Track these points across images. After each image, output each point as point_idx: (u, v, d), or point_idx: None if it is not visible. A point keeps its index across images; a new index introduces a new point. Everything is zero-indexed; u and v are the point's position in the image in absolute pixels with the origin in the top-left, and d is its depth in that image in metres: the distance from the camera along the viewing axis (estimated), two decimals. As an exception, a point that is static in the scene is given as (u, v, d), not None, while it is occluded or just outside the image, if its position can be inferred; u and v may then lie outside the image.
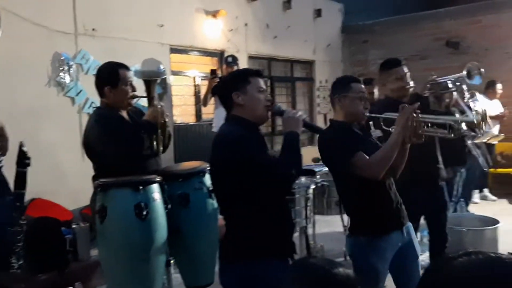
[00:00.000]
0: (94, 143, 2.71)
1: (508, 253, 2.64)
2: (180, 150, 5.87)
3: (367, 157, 2.24)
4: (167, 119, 2.97)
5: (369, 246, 2.35)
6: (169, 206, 2.72)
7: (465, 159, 4.73)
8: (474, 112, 2.43)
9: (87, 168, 2.91)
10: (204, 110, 6.51)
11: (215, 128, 5.29)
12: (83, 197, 3.34)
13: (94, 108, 3.13)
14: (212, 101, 5.76)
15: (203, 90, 6.21)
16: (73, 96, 4.99)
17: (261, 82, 2.04)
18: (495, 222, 4.19)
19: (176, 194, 2.79)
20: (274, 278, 1.76)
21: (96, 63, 4.96)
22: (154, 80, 2.97)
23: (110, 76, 2.80)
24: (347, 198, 2.46)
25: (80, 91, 5.00)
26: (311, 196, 3.68)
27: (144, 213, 2.52)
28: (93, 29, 5.20)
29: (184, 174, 2.88)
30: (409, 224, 2.49)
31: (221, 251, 1.99)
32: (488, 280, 0.80)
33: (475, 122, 2.29)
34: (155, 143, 2.94)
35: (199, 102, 6.45)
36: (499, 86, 6.87)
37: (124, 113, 2.88)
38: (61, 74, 4.83)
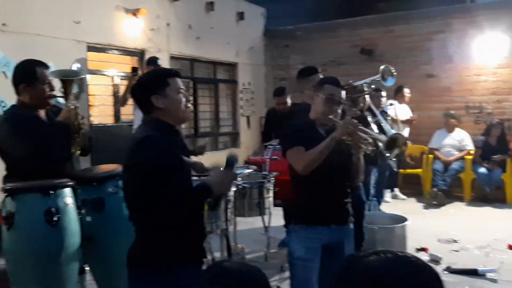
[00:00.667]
0: (3, 143, 2.63)
1: (416, 249, 3.40)
2: (97, 152, 5.21)
3: (303, 153, 2.38)
4: (82, 120, 2.90)
5: (295, 233, 2.53)
6: (83, 211, 2.68)
7: (376, 160, 4.97)
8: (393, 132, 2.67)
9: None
10: (123, 110, 6.39)
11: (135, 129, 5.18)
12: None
13: (6, 107, 3.02)
14: (131, 101, 5.35)
15: (122, 90, 6.12)
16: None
17: (180, 83, 2.00)
18: (403, 220, 4.43)
19: (90, 199, 2.74)
20: (185, 284, 1.76)
21: (6, 60, 4.81)
22: (71, 80, 2.93)
23: (27, 74, 2.72)
24: (292, 184, 2.61)
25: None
26: (231, 198, 3.72)
27: (55, 219, 2.46)
28: (3, 24, 5.02)
29: (98, 177, 2.83)
30: (347, 228, 2.62)
31: (130, 259, 1.93)
32: (395, 277, 0.84)
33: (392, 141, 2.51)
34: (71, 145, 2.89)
35: (117, 102, 6.37)
36: (406, 90, 7.32)
37: (41, 113, 2.80)
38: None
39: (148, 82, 1.96)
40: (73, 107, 2.85)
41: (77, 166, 2.95)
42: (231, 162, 1.97)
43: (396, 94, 7.14)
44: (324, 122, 2.54)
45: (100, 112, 6.39)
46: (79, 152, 2.94)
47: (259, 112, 8.87)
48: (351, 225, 2.66)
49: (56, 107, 2.95)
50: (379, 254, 0.90)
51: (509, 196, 7.16)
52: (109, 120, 6.46)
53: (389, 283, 0.83)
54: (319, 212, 2.51)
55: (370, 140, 2.38)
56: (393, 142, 2.56)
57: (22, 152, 2.55)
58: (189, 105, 1.99)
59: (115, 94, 6.46)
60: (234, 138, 8.75)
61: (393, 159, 4.95)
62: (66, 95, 2.90)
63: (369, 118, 4.58)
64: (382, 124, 4.98)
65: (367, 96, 4.55)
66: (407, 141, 2.54)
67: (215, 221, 3.48)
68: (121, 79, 6.47)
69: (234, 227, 4.00)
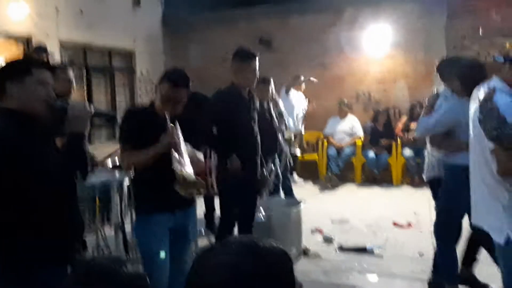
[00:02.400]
0: None
1: (311, 230, 3.97)
2: None
3: (130, 148, 2.47)
4: None
5: (140, 225, 2.59)
6: None
7: (276, 149, 5.29)
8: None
9: None
10: None
11: None
12: None
13: None
14: None
15: None
16: None
17: (47, 76, 1.90)
18: (299, 204, 4.63)
19: None
20: (50, 286, 1.68)
21: None
22: None
23: None
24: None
25: None
26: (125, 190, 3.68)
27: None
28: None
29: None
30: (189, 210, 2.69)
31: None
32: (244, 269, 0.91)
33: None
34: None
35: None
36: (302, 79, 7.58)
37: None
38: None
39: (9, 66, 1.89)
40: None
41: None
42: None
43: (294, 82, 7.38)
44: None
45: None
46: None
47: None
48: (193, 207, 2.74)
49: None
50: (227, 244, 0.96)
51: (394, 178, 7.77)
52: None
53: (239, 277, 0.89)
54: (160, 198, 2.54)
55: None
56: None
57: None
58: (49, 100, 1.88)
59: None
60: (112, 131, 8.11)
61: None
62: None
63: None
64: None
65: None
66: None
67: (107, 215, 3.49)
68: None
69: (131, 222, 3.87)
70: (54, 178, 1.76)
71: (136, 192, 2.75)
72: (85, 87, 7.47)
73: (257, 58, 3.61)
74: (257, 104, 3.70)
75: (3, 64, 1.89)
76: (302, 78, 7.52)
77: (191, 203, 2.69)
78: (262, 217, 4.08)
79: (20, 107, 1.83)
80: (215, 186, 3.69)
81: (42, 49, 4.99)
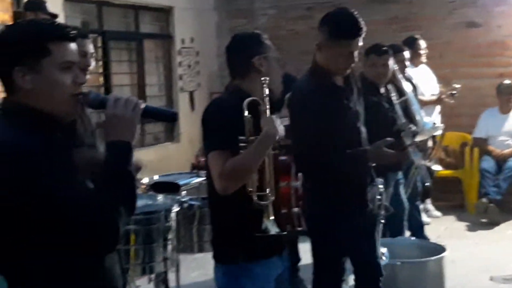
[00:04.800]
0: None
1: None
2: None
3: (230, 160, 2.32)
4: None
5: (243, 275, 2.47)
6: None
7: (400, 164, 4.33)
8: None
9: None
10: None
11: None
12: None
13: None
14: None
15: None
16: None
17: (71, 51, 1.70)
18: (439, 249, 3.96)
19: None
20: None
21: None
22: None
23: None
24: (214, 206, 2.58)
25: None
26: (173, 224, 3.43)
27: None
28: None
29: None
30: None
31: None
32: None
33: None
34: None
35: None
36: (422, 44, 6.05)
37: None
38: None
39: (12, 44, 1.67)
40: None
41: None
42: (94, 103, 1.77)
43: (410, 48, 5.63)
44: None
45: None
46: None
47: (209, 85, 7.76)
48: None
49: None
50: None
51: None
52: None
53: None
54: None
55: None
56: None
57: None
58: (79, 89, 1.72)
59: None
60: (169, 127, 7.42)
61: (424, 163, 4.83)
62: None
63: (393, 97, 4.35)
64: (413, 108, 4.55)
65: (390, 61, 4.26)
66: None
67: (148, 261, 3.30)
68: None
69: (176, 271, 3.67)
70: (83, 219, 1.60)
71: (222, 226, 2.57)
72: (100, 64, 6.67)
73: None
74: (359, 93, 3.34)
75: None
76: (422, 44, 6.01)
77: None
78: (384, 257, 3.59)
79: (36, 104, 1.67)
80: (303, 222, 3.14)
81: (39, 5, 4.57)
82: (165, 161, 6.30)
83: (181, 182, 3.85)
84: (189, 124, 7.51)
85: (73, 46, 1.71)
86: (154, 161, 5.51)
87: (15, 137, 1.60)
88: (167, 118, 2.07)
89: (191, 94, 7.74)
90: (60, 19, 5.50)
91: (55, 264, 1.63)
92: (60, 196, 1.56)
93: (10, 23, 4.87)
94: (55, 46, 1.66)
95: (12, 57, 1.65)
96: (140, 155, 5.29)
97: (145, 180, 3.94)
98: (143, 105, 1.72)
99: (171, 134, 7.48)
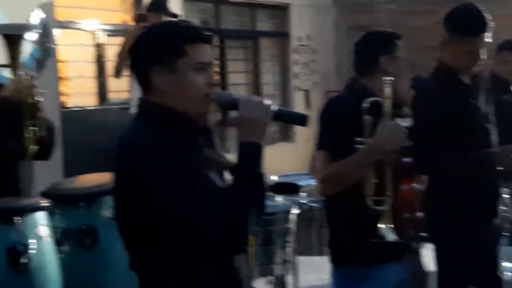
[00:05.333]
0: None
1: None
2: (72, 153, 5.03)
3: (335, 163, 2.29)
4: (40, 98, 2.74)
5: (360, 279, 2.43)
6: (64, 247, 2.51)
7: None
8: None
9: None
10: (112, 85, 5.59)
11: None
12: None
13: None
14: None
15: (110, 53, 5.33)
16: None
17: (205, 52, 1.73)
18: None
19: (74, 229, 2.56)
20: None
21: None
22: (19, 36, 2.81)
23: None
24: (330, 209, 2.55)
25: None
26: (292, 226, 3.39)
27: (23, 260, 2.29)
28: None
29: (87, 195, 2.68)
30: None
31: None
32: None
33: None
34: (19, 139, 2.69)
35: (103, 73, 5.62)
36: None
37: None
38: None
39: (151, 45, 1.73)
40: (27, 77, 2.73)
41: (30, 174, 2.85)
42: (227, 102, 1.79)
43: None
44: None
45: (77, 88, 5.68)
46: (35, 151, 2.73)
47: (325, 84, 7.62)
48: None
49: None
50: None
51: None
52: (89, 101, 5.69)
53: None
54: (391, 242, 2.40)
55: None
56: None
57: None
58: (212, 90, 1.75)
59: (99, 59, 5.71)
60: (284, 127, 7.39)
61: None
62: (12, 61, 2.79)
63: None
64: None
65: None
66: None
67: (267, 263, 3.27)
68: (109, 34, 5.68)
69: (294, 273, 3.63)
70: (216, 219, 1.60)
71: (339, 230, 2.53)
72: (216, 63, 6.78)
73: None
74: (488, 92, 3.18)
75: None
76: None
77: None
78: (509, 273, 3.45)
79: (171, 104, 1.71)
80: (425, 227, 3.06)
81: (162, 5, 4.63)
82: (280, 162, 6.32)
83: (301, 183, 3.75)
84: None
85: (207, 47, 1.73)
86: (269, 161, 5.52)
87: (151, 136, 1.63)
88: (299, 122, 2.00)
89: (306, 93, 7.66)
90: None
91: (186, 263, 1.64)
92: (196, 197, 1.57)
93: (132, 23, 5.10)
94: (191, 47, 1.68)
95: (150, 57, 1.69)
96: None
97: (263, 181, 3.99)
98: (275, 108, 1.72)
99: (286, 134, 7.47)
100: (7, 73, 3.02)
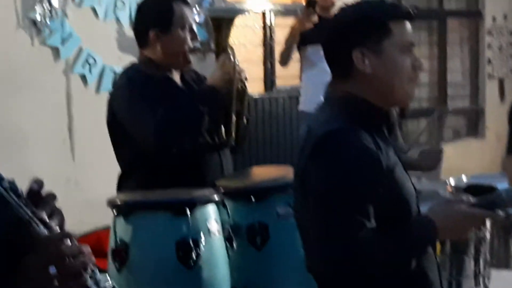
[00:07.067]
0: (119, 117, 2.55)
1: None
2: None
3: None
4: (246, 85, 2.77)
5: None
6: (235, 245, 2.49)
7: None
8: None
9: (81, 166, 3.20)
10: (280, 72, 5.40)
11: (303, 106, 4.68)
12: (77, 216, 3.12)
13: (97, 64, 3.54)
14: (295, 56, 4.73)
15: (280, 35, 5.18)
16: (57, 45, 4.12)
17: (410, 31, 1.69)
18: None
19: (244, 225, 2.51)
20: None
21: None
22: (230, 20, 2.82)
23: (160, 15, 2.64)
24: None
25: (69, 35, 4.17)
26: (487, 236, 3.12)
27: (193, 256, 2.26)
28: None
29: (259, 189, 2.59)
30: None
31: None
32: None
33: None
34: (223, 127, 2.70)
35: (271, 58, 5.48)
36: None
37: (175, 75, 2.71)
38: (35, 6, 3.99)
39: (353, 24, 1.66)
40: (233, 60, 2.69)
41: (229, 163, 2.81)
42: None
43: None
44: None
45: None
46: (236, 139, 2.77)
47: None
48: None
49: (196, 74, 2.86)
50: None
51: None
52: (255, 88, 5.42)
53: None
54: None
55: None
56: None
57: (147, 131, 2.42)
58: (418, 73, 1.73)
59: (267, 42, 5.55)
60: (473, 120, 6.99)
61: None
62: (219, 47, 2.78)
63: None
64: None
65: None
66: None
67: (456, 275, 2.98)
68: (278, 15, 5.56)
69: None
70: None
71: None
72: None
73: None
74: None
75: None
76: None
77: None
78: None
79: (371, 89, 1.67)
80: None
81: None
82: (466, 160, 5.87)
83: (499, 186, 3.41)
84: (497, 117, 6.90)
85: (410, 26, 1.68)
86: (452, 159, 5.10)
87: (342, 128, 1.59)
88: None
89: (501, 82, 7.17)
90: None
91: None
92: (404, 193, 1.60)
93: (303, 2, 4.83)
94: (396, 26, 1.63)
95: (353, 37, 1.62)
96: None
97: (452, 182, 3.61)
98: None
99: (475, 129, 6.99)
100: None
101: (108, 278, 1.34)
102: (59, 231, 1.19)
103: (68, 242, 1.13)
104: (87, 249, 1.15)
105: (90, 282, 1.16)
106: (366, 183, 1.55)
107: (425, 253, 1.70)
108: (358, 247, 1.50)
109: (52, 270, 1.09)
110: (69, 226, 1.32)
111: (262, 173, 3.00)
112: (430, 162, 4.09)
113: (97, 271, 1.23)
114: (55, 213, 1.25)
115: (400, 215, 1.64)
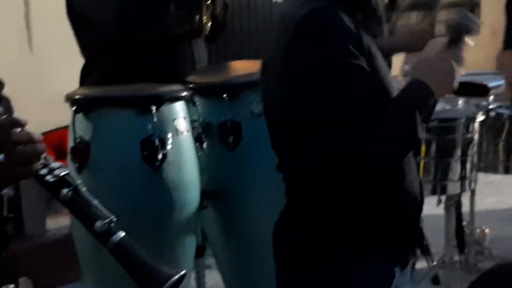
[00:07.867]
0: (80, 2, 2.49)
1: None
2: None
3: None
4: None
5: None
6: (205, 145, 2.38)
7: None
8: None
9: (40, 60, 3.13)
10: None
11: None
12: (38, 114, 3.21)
13: None
14: None
15: None
16: None
17: None
18: None
19: (216, 124, 2.38)
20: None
21: None
22: None
23: None
24: None
25: None
26: (475, 137, 3.20)
27: (159, 156, 2.19)
28: None
29: (232, 85, 2.48)
30: None
31: (277, 244, 1.69)
32: None
33: None
34: (196, 13, 2.61)
35: None
36: None
37: None
38: None
39: None
40: None
41: (203, 54, 2.73)
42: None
43: None
44: None
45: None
46: (210, 29, 2.68)
47: None
48: None
49: None
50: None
51: None
52: None
53: None
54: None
55: None
56: None
57: (103, 12, 2.37)
58: None
59: None
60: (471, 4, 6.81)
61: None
62: None
63: None
64: None
65: None
66: None
67: (440, 179, 3.09)
68: None
69: (471, 194, 3.57)
70: None
71: None
72: None
73: None
74: None
75: None
76: None
77: None
78: None
79: None
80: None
81: None
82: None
83: (490, 84, 3.40)
84: (492, 10, 6.69)
85: None
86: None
87: (324, 7, 1.54)
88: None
89: None
90: None
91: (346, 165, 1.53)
92: (385, 83, 1.56)
93: None
94: None
95: None
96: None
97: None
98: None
99: (473, 11, 6.79)
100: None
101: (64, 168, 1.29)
102: (6, 118, 1.20)
103: (18, 129, 1.13)
104: (39, 137, 1.14)
105: (43, 170, 1.18)
106: (358, 58, 1.48)
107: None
108: (356, 138, 1.43)
109: (0, 157, 1.11)
110: (29, 126, 1.31)
111: (238, 68, 2.90)
112: (418, 40, 3.91)
113: (51, 160, 1.24)
114: (2, 100, 1.29)
115: (381, 106, 1.55)
